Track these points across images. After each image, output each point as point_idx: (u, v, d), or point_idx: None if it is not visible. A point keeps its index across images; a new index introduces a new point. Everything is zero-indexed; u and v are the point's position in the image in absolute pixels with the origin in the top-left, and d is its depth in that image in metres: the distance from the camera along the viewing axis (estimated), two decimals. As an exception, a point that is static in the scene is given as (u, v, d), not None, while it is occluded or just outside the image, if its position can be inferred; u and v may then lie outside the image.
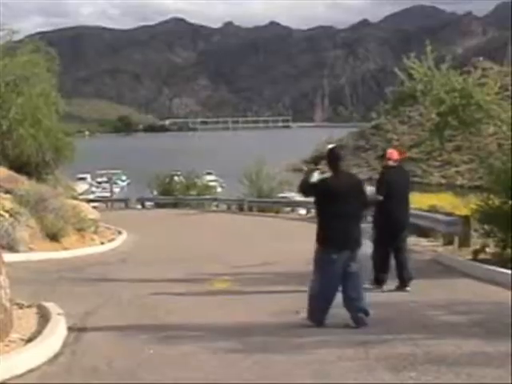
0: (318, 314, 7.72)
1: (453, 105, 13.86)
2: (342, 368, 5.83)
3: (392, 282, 10.41)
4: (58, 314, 7.71)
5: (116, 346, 6.90)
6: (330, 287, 7.69)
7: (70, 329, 7.50)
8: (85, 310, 8.85)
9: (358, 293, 7.74)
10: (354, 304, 7.69)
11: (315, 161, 8.16)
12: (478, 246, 13.20)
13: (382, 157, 10.87)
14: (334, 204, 7.66)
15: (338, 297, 7.74)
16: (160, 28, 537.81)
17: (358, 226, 7.88)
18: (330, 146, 8.11)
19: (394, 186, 10.44)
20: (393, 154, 10.78)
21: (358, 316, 7.65)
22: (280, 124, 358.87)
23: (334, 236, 7.63)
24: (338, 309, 7.72)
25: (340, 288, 7.74)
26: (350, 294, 7.69)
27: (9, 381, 5.64)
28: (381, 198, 10.26)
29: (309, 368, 5.87)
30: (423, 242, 17.86)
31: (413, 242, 17.96)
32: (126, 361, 6.32)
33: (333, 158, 7.87)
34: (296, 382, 5.56)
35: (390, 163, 10.64)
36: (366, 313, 7.70)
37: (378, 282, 10.43)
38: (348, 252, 7.64)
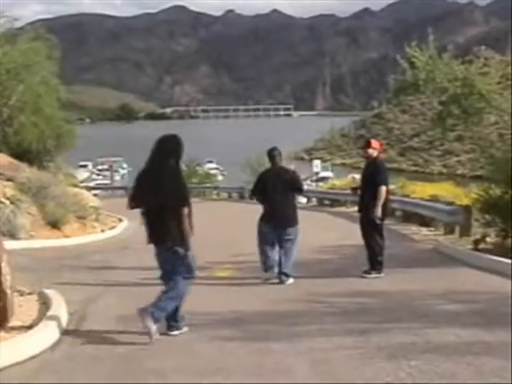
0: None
1: (455, 94, 13.81)
2: (341, 356, 5.84)
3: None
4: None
5: (117, 334, 6.92)
6: (264, 249, 10.13)
7: (71, 315, 7.53)
8: (86, 297, 8.88)
9: (285, 257, 10.02)
10: (280, 266, 10.00)
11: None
12: (478, 236, 13.19)
13: (366, 146, 10.84)
14: (266, 190, 10.25)
15: None
16: (161, 16, 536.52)
17: (287, 208, 10.18)
18: (271, 147, 10.49)
19: None
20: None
21: (281, 276, 9.98)
22: (281, 112, 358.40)
23: (267, 216, 10.28)
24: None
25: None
26: (281, 257, 10.03)
27: (10, 368, 5.67)
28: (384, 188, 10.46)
29: (308, 356, 5.89)
30: (424, 231, 17.86)
31: (414, 231, 18.04)
32: (127, 348, 6.33)
33: (272, 155, 10.33)
34: (296, 370, 5.58)
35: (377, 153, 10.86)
36: (286, 275, 9.97)
37: (379, 267, 10.48)
38: (280, 228, 10.09)
